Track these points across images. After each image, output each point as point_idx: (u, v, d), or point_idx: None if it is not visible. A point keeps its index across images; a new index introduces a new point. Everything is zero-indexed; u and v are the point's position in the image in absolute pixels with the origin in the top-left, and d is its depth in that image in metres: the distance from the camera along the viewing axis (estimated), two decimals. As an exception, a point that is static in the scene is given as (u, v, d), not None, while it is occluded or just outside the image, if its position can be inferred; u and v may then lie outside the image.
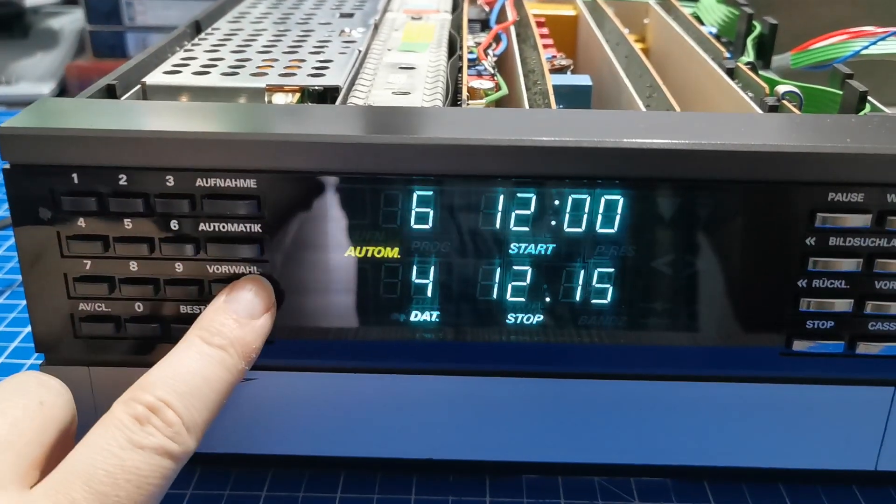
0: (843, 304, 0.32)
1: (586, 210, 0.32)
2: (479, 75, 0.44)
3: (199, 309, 0.32)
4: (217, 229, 0.32)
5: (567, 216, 0.32)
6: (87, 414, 0.31)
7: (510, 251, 0.32)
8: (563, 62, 0.48)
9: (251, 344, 0.31)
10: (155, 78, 0.38)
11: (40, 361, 0.34)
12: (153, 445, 0.27)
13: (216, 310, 0.31)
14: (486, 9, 0.58)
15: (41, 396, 0.29)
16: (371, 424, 0.36)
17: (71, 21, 0.99)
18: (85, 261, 0.32)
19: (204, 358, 0.30)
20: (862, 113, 0.37)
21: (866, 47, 0.45)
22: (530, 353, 0.34)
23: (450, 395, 0.35)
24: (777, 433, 0.35)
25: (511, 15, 0.53)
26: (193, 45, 0.44)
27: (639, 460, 0.37)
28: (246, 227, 0.32)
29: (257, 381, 0.35)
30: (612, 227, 0.32)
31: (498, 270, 0.33)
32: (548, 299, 0.33)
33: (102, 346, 0.33)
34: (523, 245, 0.32)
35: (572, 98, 0.44)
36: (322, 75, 0.39)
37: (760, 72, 0.45)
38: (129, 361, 0.33)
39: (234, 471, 0.39)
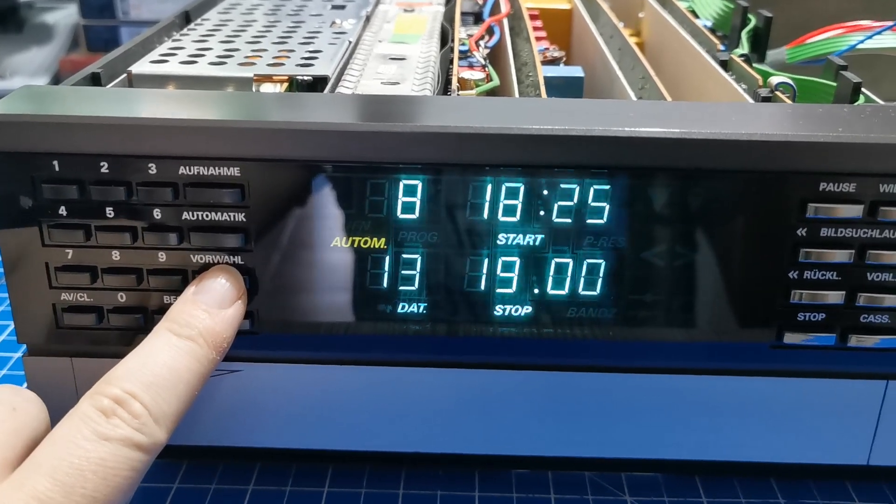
0: (834, 296, 0.32)
1: (575, 200, 0.31)
2: (471, 66, 0.43)
3: (183, 299, 0.32)
4: (200, 218, 0.31)
5: (556, 206, 0.31)
6: (69, 406, 0.30)
7: (498, 241, 0.32)
8: (556, 54, 0.48)
9: (222, 334, 0.31)
10: (141, 67, 0.38)
11: (24, 354, 0.34)
12: (119, 437, 0.27)
13: (185, 301, 0.31)
14: (480, 2, 0.58)
15: (14, 403, 0.29)
16: (359, 417, 0.36)
17: (65, 16, 0.98)
18: (66, 250, 0.32)
19: (173, 349, 0.29)
20: (855, 104, 0.37)
21: (862, 41, 0.45)
22: (519, 345, 0.34)
23: (439, 388, 0.35)
24: (768, 427, 0.35)
25: (504, 7, 0.53)
26: (182, 35, 0.44)
27: (629, 454, 0.36)
28: (230, 216, 0.31)
29: (243, 372, 0.34)
30: (601, 218, 0.31)
31: (486, 261, 0.32)
32: (536, 291, 0.33)
33: (85, 336, 0.33)
34: (511, 235, 0.32)
35: (564, 89, 0.43)
36: (311, 65, 0.39)
37: (755, 65, 0.45)
38: (111, 352, 0.32)
39: (220, 464, 0.38)
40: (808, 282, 0.32)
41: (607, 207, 0.31)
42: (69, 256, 0.32)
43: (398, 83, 0.39)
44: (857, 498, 0.37)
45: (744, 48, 0.48)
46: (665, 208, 0.31)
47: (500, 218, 0.32)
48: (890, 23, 0.45)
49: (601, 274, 0.32)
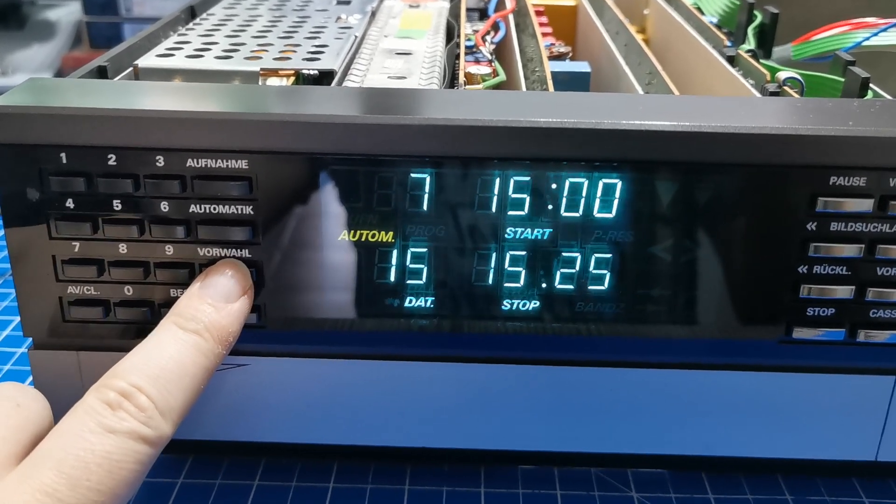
0: (844, 291, 0.32)
1: (583, 193, 0.31)
2: (477, 62, 0.43)
3: (190, 293, 0.32)
4: (208, 211, 0.31)
5: (564, 200, 0.31)
6: (75, 399, 0.30)
7: (505, 236, 0.32)
8: (562, 49, 0.48)
9: (228, 328, 0.31)
10: (148, 61, 0.38)
11: (30, 347, 0.34)
12: (125, 430, 0.27)
13: (191, 295, 0.31)
14: (485, -2, 0.57)
15: (18, 399, 0.29)
16: (365, 412, 0.35)
17: (68, 12, 0.98)
18: (73, 243, 0.31)
19: (179, 343, 0.29)
20: (864, 99, 0.37)
21: (868, 38, 0.45)
22: (526, 340, 0.33)
23: (445, 383, 0.35)
24: (776, 423, 0.35)
25: (510, 3, 0.53)
26: (188, 29, 0.43)
27: (636, 450, 0.36)
28: (237, 209, 0.31)
29: (250, 367, 0.34)
30: (610, 212, 0.31)
31: (493, 255, 0.32)
32: (543, 285, 0.32)
33: (91, 330, 0.33)
34: (519, 229, 0.32)
35: (571, 85, 0.43)
36: (317, 59, 0.39)
37: (762, 60, 0.45)
38: (118, 346, 0.32)
39: (226, 459, 0.38)
40: (817, 276, 0.32)
41: (615, 201, 0.31)
42: (76, 249, 0.32)
43: (405, 77, 0.38)
44: (864, 494, 0.37)
45: (750, 44, 0.48)
46: (674, 202, 0.31)
47: (508, 212, 0.31)
48: (895, 20, 0.45)
49: (609, 269, 0.32)
